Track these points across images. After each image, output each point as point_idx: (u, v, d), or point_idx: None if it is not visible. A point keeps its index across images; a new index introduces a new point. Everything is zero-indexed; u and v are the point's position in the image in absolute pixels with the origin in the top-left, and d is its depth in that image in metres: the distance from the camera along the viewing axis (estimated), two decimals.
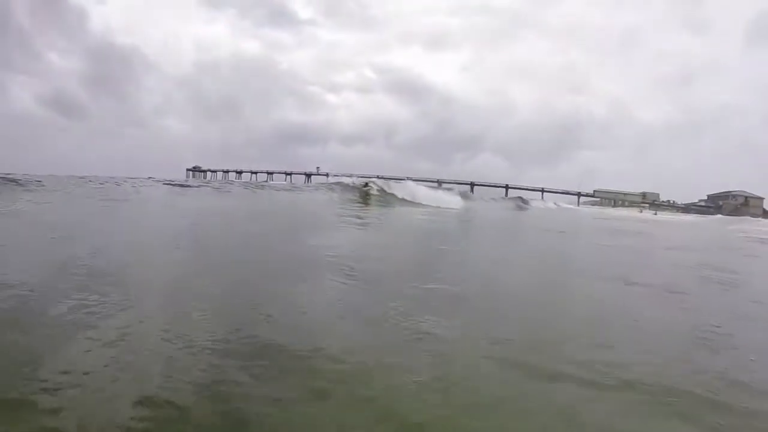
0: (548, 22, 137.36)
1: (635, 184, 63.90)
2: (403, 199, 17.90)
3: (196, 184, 15.89)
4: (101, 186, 11.08)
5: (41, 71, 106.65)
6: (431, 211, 15.22)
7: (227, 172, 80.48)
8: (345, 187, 18.66)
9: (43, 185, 9.66)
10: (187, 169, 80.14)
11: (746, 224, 26.15)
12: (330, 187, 19.03)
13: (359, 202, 14.95)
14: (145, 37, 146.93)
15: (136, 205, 9.05)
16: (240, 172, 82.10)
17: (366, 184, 18.80)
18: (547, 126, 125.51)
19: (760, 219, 43.97)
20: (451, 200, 20.72)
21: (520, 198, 37.16)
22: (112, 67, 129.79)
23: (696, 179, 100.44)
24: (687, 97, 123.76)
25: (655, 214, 44.20)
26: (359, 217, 9.87)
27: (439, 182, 55.74)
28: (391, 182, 20.73)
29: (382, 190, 17.89)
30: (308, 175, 76.00)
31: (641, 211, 46.55)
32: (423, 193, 20.22)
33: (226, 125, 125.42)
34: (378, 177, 19.45)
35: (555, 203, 44.73)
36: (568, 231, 12.99)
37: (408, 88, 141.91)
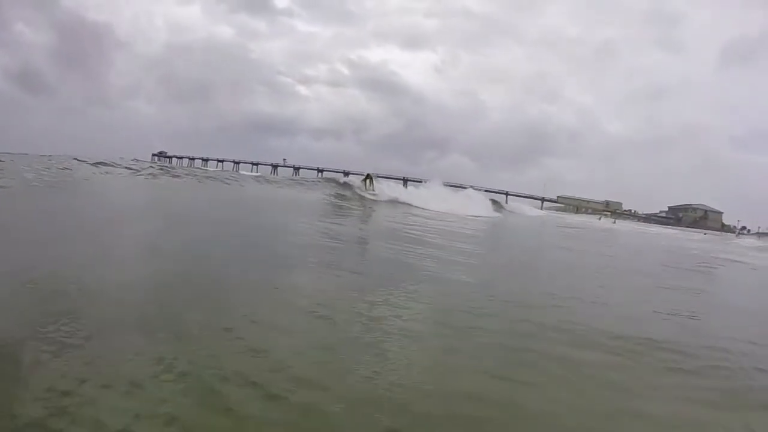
0: (525, 30, 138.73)
1: (599, 193, 64.64)
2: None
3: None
4: None
5: (7, 42, 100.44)
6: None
7: (193, 159, 77.93)
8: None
9: None
10: (153, 154, 77.41)
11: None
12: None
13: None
14: (117, 15, 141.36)
15: None
16: (206, 160, 79.59)
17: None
18: (516, 131, 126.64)
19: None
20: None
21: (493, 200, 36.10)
22: (81, 44, 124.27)
23: (658, 191, 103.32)
24: (655, 112, 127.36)
25: (614, 222, 44.18)
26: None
27: (405, 180, 54.76)
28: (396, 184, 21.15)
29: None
30: (275, 167, 74.06)
31: (600, 219, 46.57)
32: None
33: (195, 110, 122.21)
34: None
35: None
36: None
37: (380, 85, 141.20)
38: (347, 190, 17.77)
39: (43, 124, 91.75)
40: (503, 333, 3.23)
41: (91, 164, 11.38)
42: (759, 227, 64.93)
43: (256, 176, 23.74)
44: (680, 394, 2.56)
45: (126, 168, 12.06)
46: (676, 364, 2.99)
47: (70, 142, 75.07)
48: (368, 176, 19.43)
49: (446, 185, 28.46)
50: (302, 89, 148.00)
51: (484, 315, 3.60)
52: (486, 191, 51.91)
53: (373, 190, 18.59)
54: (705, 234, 35.34)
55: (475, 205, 21.78)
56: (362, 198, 17.04)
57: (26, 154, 11.95)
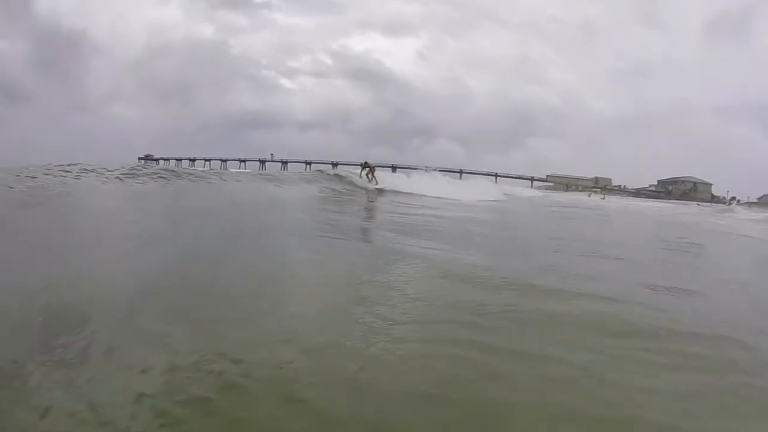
0: (507, 13, 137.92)
1: (589, 170, 64.54)
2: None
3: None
4: None
5: None
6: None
7: (180, 160, 77.14)
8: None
9: None
10: (139, 158, 76.62)
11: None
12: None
13: None
14: (94, 20, 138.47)
15: None
16: (193, 160, 78.98)
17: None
18: (503, 114, 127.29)
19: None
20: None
21: None
22: (58, 51, 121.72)
23: (647, 166, 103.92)
24: (640, 89, 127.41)
25: (603, 198, 44.08)
26: None
27: (394, 167, 54.29)
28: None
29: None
30: (262, 162, 73.43)
31: (589, 196, 46.45)
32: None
33: (179, 111, 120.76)
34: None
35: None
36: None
37: (365, 74, 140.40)
38: (348, 183, 15.77)
39: (22, 134, 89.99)
40: None
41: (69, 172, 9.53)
42: (748, 197, 65.34)
43: (261, 173, 21.51)
44: None
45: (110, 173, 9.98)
46: None
47: (51, 150, 73.59)
48: (367, 165, 17.17)
49: (438, 170, 28.12)
50: (286, 82, 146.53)
51: None
52: (475, 174, 51.84)
53: (375, 181, 16.58)
54: (698, 205, 35.02)
55: (480, 189, 20.98)
56: (367, 190, 15.18)
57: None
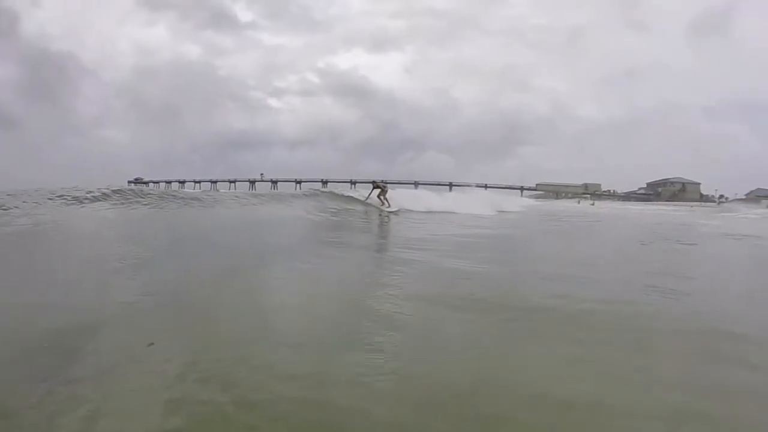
0: (492, 22, 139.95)
1: (578, 177, 65.04)
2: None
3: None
4: None
5: None
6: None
7: (170, 182, 76.87)
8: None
9: None
10: (129, 181, 76.13)
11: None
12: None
13: None
14: (81, 42, 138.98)
15: None
16: (183, 182, 78.74)
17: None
18: (492, 123, 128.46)
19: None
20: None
21: None
22: (47, 75, 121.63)
23: (636, 169, 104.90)
24: (628, 93, 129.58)
25: (593, 204, 44.25)
26: None
27: (383, 183, 54.05)
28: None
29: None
30: (252, 182, 73.23)
31: (579, 202, 46.65)
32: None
33: (168, 133, 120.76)
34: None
35: None
36: None
37: (352, 91, 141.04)
38: (357, 203, 14.65)
39: (10, 160, 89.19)
40: None
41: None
42: (736, 194, 66.06)
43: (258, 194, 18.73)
44: None
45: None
46: None
47: (41, 175, 72.91)
48: (378, 186, 15.01)
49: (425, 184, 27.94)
50: (274, 102, 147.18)
51: None
52: (464, 185, 51.87)
53: (387, 203, 14.62)
54: (692, 207, 34.69)
55: (485, 202, 20.54)
56: (381, 212, 13.70)
57: None
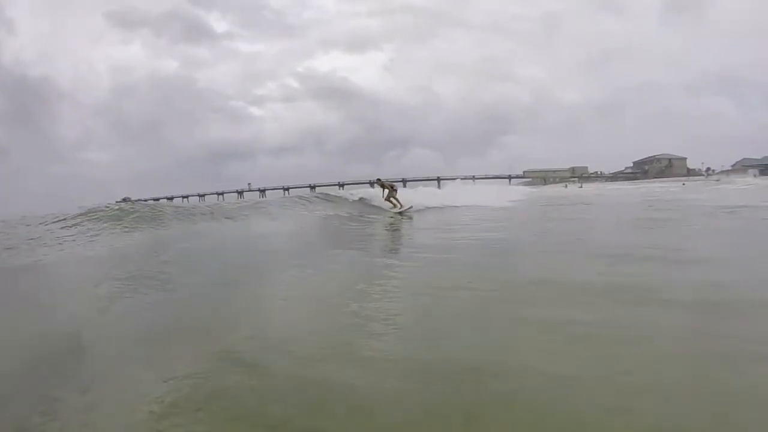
0: (469, 15, 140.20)
1: (565, 161, 65.11)
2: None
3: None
4: None
5: None
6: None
7: (157, 199, 76.13)
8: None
9: None
10: (117, 202, 75.05)
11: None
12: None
13: None
14: (57, 66, 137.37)
15: None
16: (171, 198, 78.01)
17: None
18: (475, 116, 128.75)
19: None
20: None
21: None
22: (26, 101, 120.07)
23: (622, 149, 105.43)
24: (608, 75, 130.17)
25: (581, 187, 44.23)
26: None
27: (371, 183, 53.81)
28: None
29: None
30: (240, 193, 72.73)
31: (566, 186, 46.60)
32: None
33: (151, 150, 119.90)
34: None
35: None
36: None
37: (333, 93, 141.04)
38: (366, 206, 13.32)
39: None
40: None
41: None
42: (722, 165, 66.50)
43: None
44: None
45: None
46: None
47: (25, 203, 71.77)
48: (383, 184, 13.12)
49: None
50: (255, 110, 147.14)
51: None
52: (451, 179, 51.70)
53: (399, 203, 12.86)
54: (684, 184, 34.01)
55: (494, 194, 20.20)
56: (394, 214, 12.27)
57: None
